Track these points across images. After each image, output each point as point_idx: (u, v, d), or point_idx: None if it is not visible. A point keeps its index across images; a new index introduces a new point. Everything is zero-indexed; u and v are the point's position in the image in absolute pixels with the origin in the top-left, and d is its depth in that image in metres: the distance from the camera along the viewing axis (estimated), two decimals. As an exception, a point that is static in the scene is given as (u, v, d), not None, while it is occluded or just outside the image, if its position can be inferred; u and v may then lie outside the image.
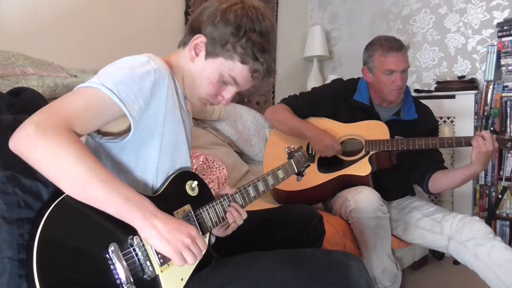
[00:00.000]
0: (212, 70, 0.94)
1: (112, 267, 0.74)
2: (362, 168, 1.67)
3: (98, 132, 0.89)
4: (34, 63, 1.48)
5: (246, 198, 1.03)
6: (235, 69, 0.93)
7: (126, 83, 0.82)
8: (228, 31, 0.90)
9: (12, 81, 1.35)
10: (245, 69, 0.93)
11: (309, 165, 1.32)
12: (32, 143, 0.69)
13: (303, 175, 1.30)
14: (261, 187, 1.08)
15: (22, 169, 0.72)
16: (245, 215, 0.99)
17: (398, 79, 1.67)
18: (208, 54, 0.93)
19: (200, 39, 0.93)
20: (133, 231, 0.78)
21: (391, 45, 1.68)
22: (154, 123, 0.89)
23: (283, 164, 1.20)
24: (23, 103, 0.96)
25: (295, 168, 1.24)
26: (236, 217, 0.97)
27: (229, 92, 0.98)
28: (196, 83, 0.96)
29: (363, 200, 1.57)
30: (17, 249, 0.72)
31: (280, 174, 1.16)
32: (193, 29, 0.96)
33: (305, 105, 1.88)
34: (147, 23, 2.22)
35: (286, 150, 1.29)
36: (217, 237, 1.04)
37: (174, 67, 0.98)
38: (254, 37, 0.91)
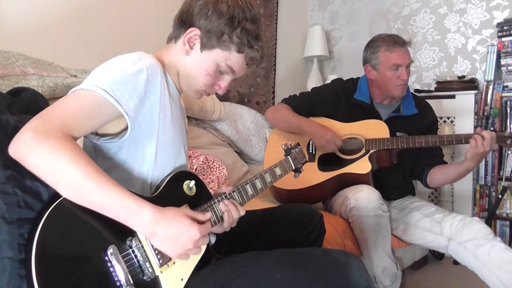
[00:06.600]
0: (209, 62, 0.95)
1: (111, 269, 0.74)
2: (362, 166, 1.68)
3: (96, 133, 0.89)
4: (34, 63, 1.48)
5: (244, 196, 1.03)
6: (232, 58, 0.95)
7: (119, 82, 0.81)
8: (223, 22, 0.92)
9: (12, 81, 1.34)
10: (241, 57, 0.96)
11: (306, 161, 1.32)
12: (29, 149, 0.70)
13: (300, 172, 1.30)
14: (258, 184, 1.08)
15: (22, 170, 0.72)
16: (242, 212, 0.98)
17: (404, 74, 1.68)
18: (204, 46, 0.95)
19: (194, 32, 0.95)
20: (131, 233, 0.79)
21: (395, 40, 1.70)
22: (150, 120, 0.89)
23: (280, 161, 1.19)
24: (23, 103, 0.96)
25: (292, 165, 1.24)
26: (232, 210, 0.95)
27: (225, 81, 1.00)
28: (193, 75, 0.97)
29: (363, 198, 1.57)
30: (18, 249, 0.72)
31: (278, 171, 1.16)
32: (183, 22, 0.97)
33: (305, 104, 1.88)
34: (147, 23, 2.21)
35: (283, 146, 1.28)
36: (217, 237, 1.04)
37: (166, 63, 0.99)
38: (247, 25, 0.93)
